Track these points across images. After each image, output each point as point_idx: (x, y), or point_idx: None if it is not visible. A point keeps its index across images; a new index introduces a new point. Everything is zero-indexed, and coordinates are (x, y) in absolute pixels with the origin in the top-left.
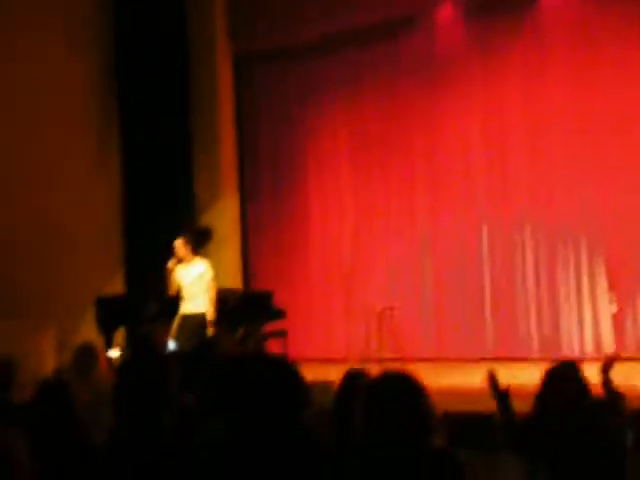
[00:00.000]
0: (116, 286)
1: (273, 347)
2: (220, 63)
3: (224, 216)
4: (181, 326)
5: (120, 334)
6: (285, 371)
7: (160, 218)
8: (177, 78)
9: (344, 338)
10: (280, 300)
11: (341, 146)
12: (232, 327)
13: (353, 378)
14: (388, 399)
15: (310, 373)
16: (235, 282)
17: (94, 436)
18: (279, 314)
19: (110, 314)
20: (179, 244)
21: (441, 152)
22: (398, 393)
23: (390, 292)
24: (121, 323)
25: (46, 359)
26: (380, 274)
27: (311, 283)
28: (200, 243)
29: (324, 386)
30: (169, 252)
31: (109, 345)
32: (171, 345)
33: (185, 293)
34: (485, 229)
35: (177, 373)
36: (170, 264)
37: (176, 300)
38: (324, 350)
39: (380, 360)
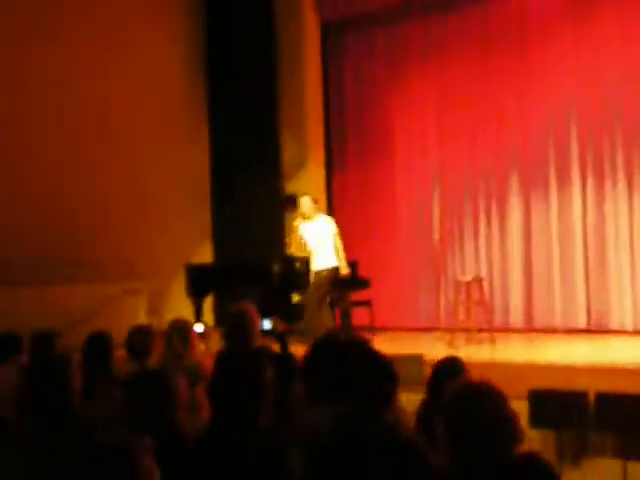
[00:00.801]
0: (204, 255)
1: (358, 316)
2: (307, 32)
3: (310, 185)
4: (316, 282)
5: (208, 306)
6: (382, 365)
7: (248, 188)
8: (264, 49)
9: (431, 308)
10: (365, 269)
11: (430, 112)
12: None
13: (445, 369)
14: (469, 418)
15: (396, 344)
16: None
17: (190, 419)
18: (364, 283)
19: (201, 281)
20: (306, 201)
21: (532, 115)
22: (479, 410)
23: (479, 264)
24: (211, 289)
25: (138, 322)
26: (469, 245)
27: (397, 253)
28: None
29: (412, 359)
30: (257, 222)
31: (199, 315)
32: (266, 324)
33: (314, 249)
34: (578, 199)
35: (271, 368)
36: (296, 221)
37: (292, 261)
38: (410, 319)
39: (467, 330)
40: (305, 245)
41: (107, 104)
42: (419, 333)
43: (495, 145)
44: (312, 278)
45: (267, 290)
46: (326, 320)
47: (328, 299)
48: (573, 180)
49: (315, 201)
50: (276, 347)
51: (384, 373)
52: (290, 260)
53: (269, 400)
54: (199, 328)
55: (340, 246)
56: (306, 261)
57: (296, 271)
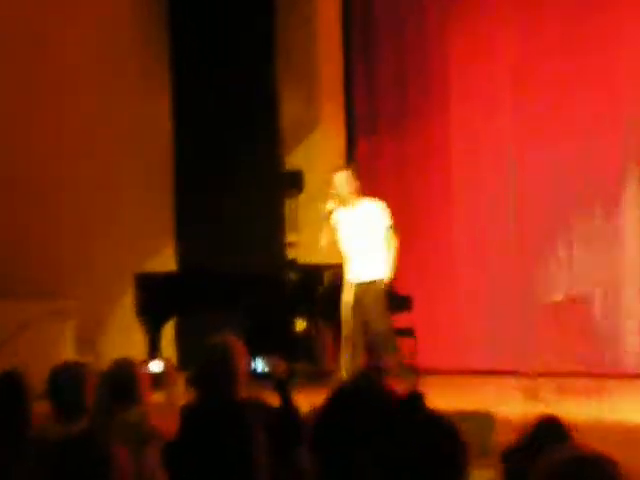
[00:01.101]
0: (164, 261)
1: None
2: None
3: (322, 158)
4: (360, 303)
5: (170, 329)
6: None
7: (229, 163)
8: None
9: (503, 341)
10: (403, 283)
11: (505, 58)
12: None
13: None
14: None
15: (450, 395)
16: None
17: None
18: (403, 303)
19: (159, 299)
20: (343, 178)
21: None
22: None
23: (579, 278)
24: (174, 312)
25: (61, 355)
26: (564, 251)
27: (450, 260)
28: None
29: (477, 420)
30: (243, 212)
31: (154, 349)
32: (259, 365)
33: (354, 249)
34: None
35: (263, 430)
36: (330, 204)
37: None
38: (470, 358)
39: (560, 375)
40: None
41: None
42: (484, 379)
43: (605, 113)
44: (344, 295)
45: (260, 314)
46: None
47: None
48: None
49: (356, 177)
50: (272, 398)
51: (449, 443)
52: (308, 269)
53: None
54: (155, 367)
55: (394, 247)
56: (336, 271)
57: (317, 285)
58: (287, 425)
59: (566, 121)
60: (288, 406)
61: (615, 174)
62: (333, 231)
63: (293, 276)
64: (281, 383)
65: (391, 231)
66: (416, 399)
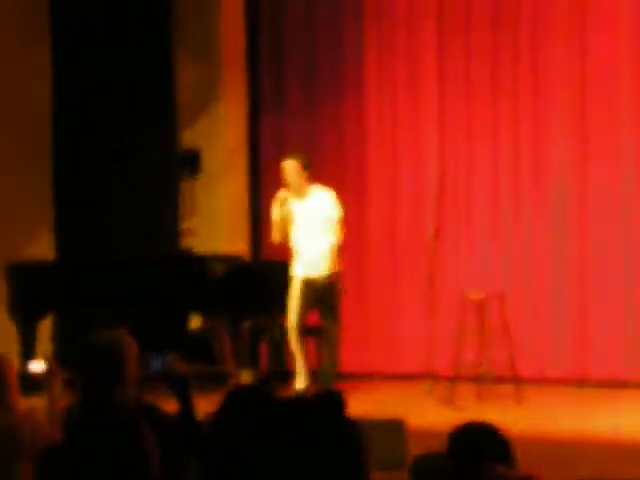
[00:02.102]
0: (40, 248)
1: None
2: None
3: (223, 135)
4: (309, 298)
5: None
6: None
7: (115, 139)
8: None
9: (418, 343)
10: None
11: (427, 36)
12: (237, 318)
13: None
14: None
15: (361, 400)
16: (239, 245)
17: None
18: None
19: (35, 292)
20: (292, 166)
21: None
22: None
23: (498, 273)
24: (52, 307)
25: None
26: (482, 245)
27: (366, 254)
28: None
29: (387, 427)
30: (132, 195)
31: (29, 348)
32: (155, 365)
33: (305, 242)
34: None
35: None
36: (283, 193)
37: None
38: (384, 361)
39: (478, 379)
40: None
41: None
42: (398, 383)
43: (528, 111)
44: (292, 289)
45: (150, 309)
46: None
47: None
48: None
49: (306, 165)
50: (166, 404)
51: (353, 451)
52: (204, 259)
53: None
54: (36, 367)
55: (339, 241)
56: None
57: (214, 278)
58: (186, 433)
59: (488, 117)
60: (188, 413)
61: (526, 171)
62: (286, 222)
63: (188, 267)
64: (181, 385)
65: (340, 225)
66: (334, 402)
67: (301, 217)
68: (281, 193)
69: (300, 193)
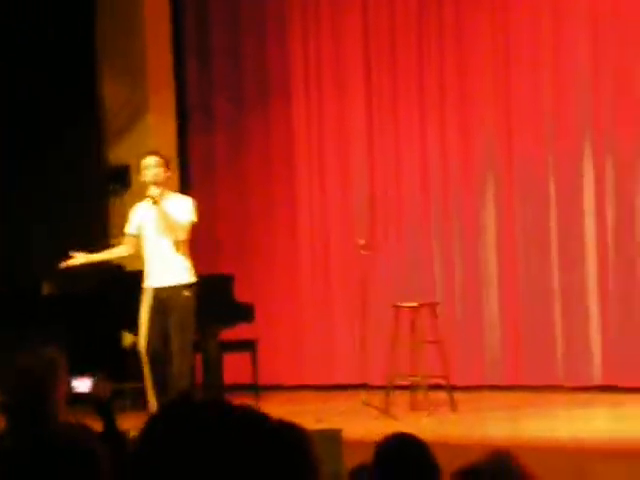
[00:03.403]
0: None
1: (234, 366)
2: None
3: (150, 149)
4: (156, 312)
5: None
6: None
7: (43, 160)
8: None
9: (350, 353)
10: (244, 290)
11: (350, 51)
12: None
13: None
14: None
15: (294, 413)
16: None
17: None
18: (244, 312)
19: None
20: (152, 162)
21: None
22: None
23: (431, 282)
24: None
25: None
26: (415, 252)
27: (296, 263)
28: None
29: (323, 438)
30: (60, 214)
31: None
32: (79, 385)
33: (155, 250)
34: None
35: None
36: (153, 190)
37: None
38: (316, 372)
39: (412, 387)
40: (135, 242)
41: None
42: (330, 394)
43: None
44: (145, 302)
45: (81, 328)
46: (179, 374)
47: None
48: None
49: (166, 164)
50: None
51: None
52: (135, 277)
53: None
54: None
55: (187, 244)
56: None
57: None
58: (113, 454)
59: (421, 109)
60: (112, 432)
61: (476, 174)
62: (131, 231)
63: (117, 285)
64: (104, 405)
65: (190, 226)
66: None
67: (154, 223)
68: (152, 190)
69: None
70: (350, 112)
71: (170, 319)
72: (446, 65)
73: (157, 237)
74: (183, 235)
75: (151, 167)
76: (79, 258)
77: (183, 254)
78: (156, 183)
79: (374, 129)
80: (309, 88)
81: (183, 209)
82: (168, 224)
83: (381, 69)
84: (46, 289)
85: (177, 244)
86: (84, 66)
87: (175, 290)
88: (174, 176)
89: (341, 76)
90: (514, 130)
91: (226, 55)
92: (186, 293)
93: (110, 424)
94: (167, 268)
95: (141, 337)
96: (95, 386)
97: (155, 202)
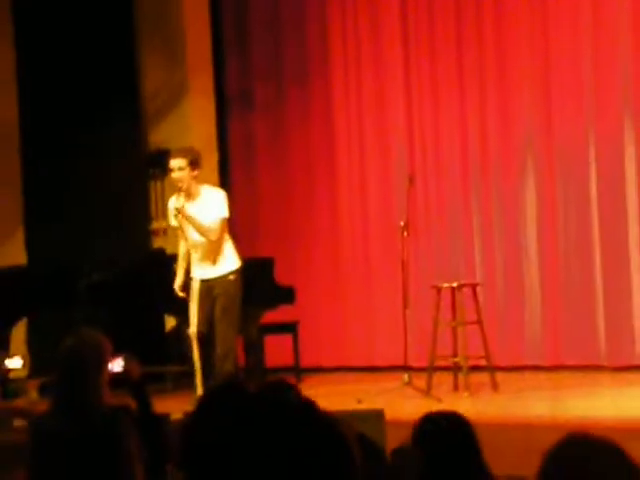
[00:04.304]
0: (12, 252)
1: (276, 348)
2: None
3: (190, 135)
4: (204, 298)
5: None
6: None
7: (83, 141)
8: None
9: (391, 335)
10: (285, 273)
11: (387, 42)
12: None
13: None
14: None
15: (335, 394)
16: None
17: None
18: (285, 295)
19: (8, 296)
20: (180, 167)
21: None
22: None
23: (472, 264)
24: (23, 314)
25: None
26: (457, 236)
27: (336, 246)
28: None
29: (366, 417)
30: (101, 197)
31: (4, 346)
32: (117, 366)
33: (196, 243)
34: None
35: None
36: (178, 201)
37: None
38: (357, 354)
39: (454, 368)
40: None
41: None
42: (372, 376)
43: (508, 90)
44: (193, 291)
45: (123, 311)
46: (224, 357)
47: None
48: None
49: (195, 163)
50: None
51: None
52: (159, 258)
53: None
54: (14, 363)
55: (219, 239)
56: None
57: (164, 277)
58: (149, 436)
59: (461, 102)
60: (147, 413)
61: (516, 153)
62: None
63: (159, 268)
64: (137, 387)
65: (221, 224)
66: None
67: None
68: (176, 201)
69: (190, 193)
70: (389, 93)
71: (216, 303)
72: (485, 44)
73: (196, 236)
74: (214, 236)
75: (176, 170)
76: (180, 286)
77: (223, 245)
78: (180, 187)
79: (413, 110)
80: (348, 70)
81: (213, 207)
82: (197, 230)
83: (419, 50)
84: (91, 274)
85: (210, 242)
86: (125, 54)
87: (220, 279)
88: (213, 160)
89: (380, 57)
90: (554, 109)
91: (265, 38)
92: (231, 277)
93: (144, 406)
94: (209, 262)
95: (192, 322)
96: (126, 366)
97: (178, 214)
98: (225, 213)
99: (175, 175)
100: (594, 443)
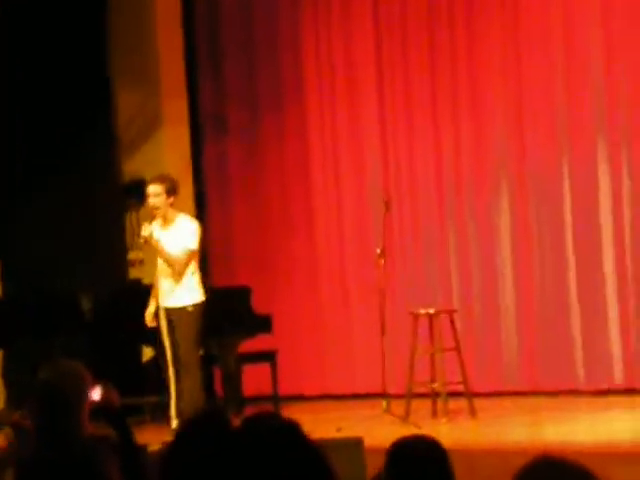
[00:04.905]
0: None
1: (254, 377)
2: None
3: (165, 165)
4: (169, 331)
5: None
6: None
7: (61, 175)
8: None
9: (370, 362)
10: (262, 301)
11: (361, 54)
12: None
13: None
14: None
15: (315, 422)
16: None
17: None
18: (262, 324)
19: None
20: (156, 193)
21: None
22: None
23: (449, 289)
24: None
25: None
26: (434, 260)
27: (314, 273)
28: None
29: (345, 446)
30: (75, 228)
31: None
32: (96, 395)
33: (160, 272)
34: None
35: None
36: (145, 230)
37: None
38: (336, 382)
39: (432, 395)
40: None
41: None
42: (352, 403)
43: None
44: (161, 320)
45: (101, 342)
46: (189, 389)
47: (200, 353)
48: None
49: (172, 191)
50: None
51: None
52: (135, 288)
53: None
54: None
55: (183, 272)
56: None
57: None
58: (130, 466)
59: (435, 112)
60: (128, 443)
61: (489, 178)
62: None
63: (135, 298)
64: (118, 416)
65: (189, 255)
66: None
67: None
68: (144, 229)
69: (164, 220)
70: (364, 117)
71: (175, 332)
72: (458, 68)
73: (163, 265)
74: (179, 266)
75: (152, 196)
76: (151, 316)
77: (189, 276)
78: (156, 214)
79: (387, 134)
80: (322, 94)
81: (184, 237)
82: (163, 259)
83: (394, 73)
84: (69, 302)
85: (175, 273)
86: (98, 82)
87: (180, 311)
88: (188, 187)
89: (354, 81)
90: (527, 130)
91: (239, 63)
92: (189, 309)
93: (125, 434)
94: (172, 291)
95: (167, 352)
96: (105, 394)
97: (145, 242)
98: (193, 245)
99: (151, 201)
100: (562, 465)
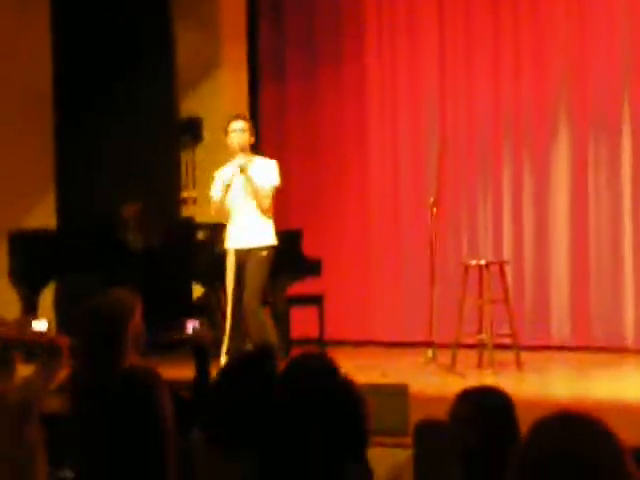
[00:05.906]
0: (43, 215)
1: (301, 320)
2: None
3: (223, 104)
4: (239, 271)
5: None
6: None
7: (115, 107)
8: None
9: (417, 311)
10: (312, 245)
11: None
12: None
13: None
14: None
15: (359, 368)
16: None
17: None
18: (312, 267)
19: (38, 260)
20: (244, 129)
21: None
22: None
23: (501, 242)
24: (53, 276)
25: None
26: (485, 214)
27: (365, 220)
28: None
29: (390, 392)
30: (133, 163)
31: (31, 310)
32: (192, 328)
33: (240, 214)
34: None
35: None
36: (241, 159)
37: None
38: (382, 328)
39: (479, 346)
40: (219, 207)
41: None
42: (397, 350)
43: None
44: (229, 262)
45: (152, 278)
46: (255, 329)
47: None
48: None
49: (253, 129)
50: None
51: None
52: (205, 229)
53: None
54: (40, 326)
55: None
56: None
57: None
58: (197, 399)
59: (490, 70)
60: (203, 379)
61: (544, 131)
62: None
63: (188, 236)
64: (203, 353)
65: (272, 191)
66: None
67: (238, 185)
68: (238, 161)
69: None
70: (423, 62)
71: (244, 273)
72: (520, 2)
73: (244, 202)
74: (267, 202)
75: (238, 132)
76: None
77: (268, 218)
78: (242, 149)
79: (446, 77)
80: (382, 42)
81: (268, 174)
82: (254, 193)
83: (455, 6)
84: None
85: (262, 208)
86: (159, 21)
87: (254, 251)
88: None
89: (414, 29)
90: (589, 71)
91: (299, 10)
92: (263, 252)
93: (203, 372)
94: (251, 231)
95: (228, 294)
96: (198, 331)
97: (242, 171)
98: (277, 181)
99: (236, 136)
100: (582, 420)
